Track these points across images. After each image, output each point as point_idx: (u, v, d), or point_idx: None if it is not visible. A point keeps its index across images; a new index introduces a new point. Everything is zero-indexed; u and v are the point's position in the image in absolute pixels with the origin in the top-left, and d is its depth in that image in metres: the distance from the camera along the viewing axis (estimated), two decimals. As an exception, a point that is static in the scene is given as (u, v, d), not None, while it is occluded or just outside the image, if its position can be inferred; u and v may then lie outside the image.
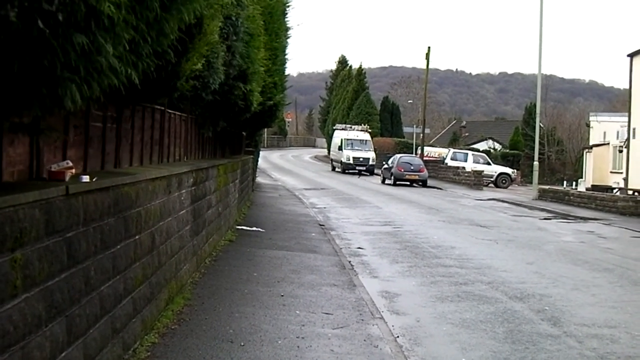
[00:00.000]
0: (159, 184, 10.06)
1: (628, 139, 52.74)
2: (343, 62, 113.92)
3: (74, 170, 7.05)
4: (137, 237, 8.71)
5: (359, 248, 19.94)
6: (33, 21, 4.23)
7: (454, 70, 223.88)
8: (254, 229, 21.22)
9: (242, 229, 20.85)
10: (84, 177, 7.04)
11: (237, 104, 16.47)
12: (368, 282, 14.90)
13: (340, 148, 68.30)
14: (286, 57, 28.28)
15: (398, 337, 10.65)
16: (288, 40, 27.88)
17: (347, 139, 68.33)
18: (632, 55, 52.10)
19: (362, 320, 11.13)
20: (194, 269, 13.36)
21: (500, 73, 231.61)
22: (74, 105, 4.98)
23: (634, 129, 51.53)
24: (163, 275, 10.38)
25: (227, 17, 12.82)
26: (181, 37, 7.95)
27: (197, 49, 9.68)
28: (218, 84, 12.80)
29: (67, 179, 6.69)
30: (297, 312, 11.30)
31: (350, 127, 72.56)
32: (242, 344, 9.29)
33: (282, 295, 12.42)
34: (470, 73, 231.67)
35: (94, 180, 7.07)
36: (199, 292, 12.07)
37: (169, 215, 10.90)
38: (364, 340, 9.97)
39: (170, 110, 12.85)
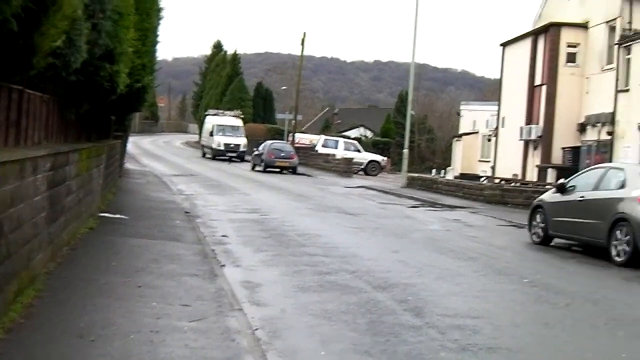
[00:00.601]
0: (10, 168, 9.53)
1: (497, 128, 54.18)
2: (218, 46, 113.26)
3: None
4: (-20, 225, 8.21)
5: (224, 236, 19.60)
6: None
7: (329, 57, 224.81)
8: (118, 216, 20.62)
9: (105, 216, 20.22)
10: None
11: (103, 85, 15.90)
12: (230, 271, 14.59)
13: (211, 134, 67.82)
14: (157, 38, 27.66)
15: (257, 329, 10.36)
16: (160, 21, 27.27)
17: (219, 125, 67.91)
18: (504, 45, 53.67)
19: (221, 312, 10.81)
20: (49, 259, 12.79)
21: (374, 61, 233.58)
22: None
23: (503, 118, 53.04)
24: (12, 266, 9.84)
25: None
26: (30, 8, 7.49)
27: (52, 23, 9.15)
28: (81, 63, 12.20)
29: None
30: (154, 303, 10.89)
31: (223, 113, 72.20)
32: (92, 339, 8.85)
33: (140, 286, 11.96)
34: (345, 60, 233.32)
35: None
36: (53, 284, 11.52)
37: (22, 201, 10.36)
38: (221, 334, 9.66)
39: (29, 91, 12.20)
